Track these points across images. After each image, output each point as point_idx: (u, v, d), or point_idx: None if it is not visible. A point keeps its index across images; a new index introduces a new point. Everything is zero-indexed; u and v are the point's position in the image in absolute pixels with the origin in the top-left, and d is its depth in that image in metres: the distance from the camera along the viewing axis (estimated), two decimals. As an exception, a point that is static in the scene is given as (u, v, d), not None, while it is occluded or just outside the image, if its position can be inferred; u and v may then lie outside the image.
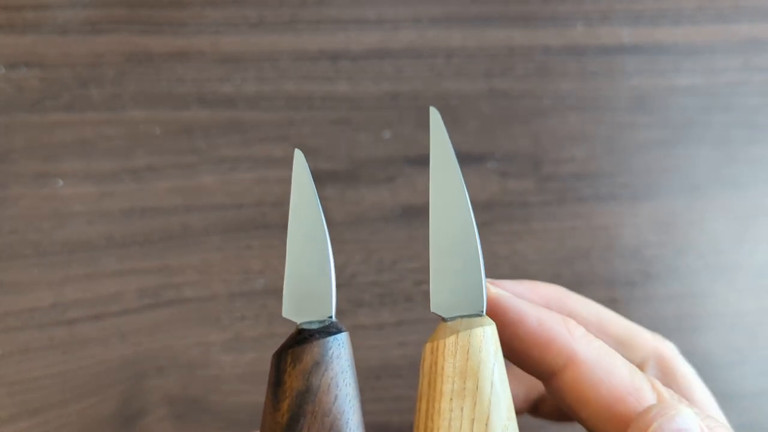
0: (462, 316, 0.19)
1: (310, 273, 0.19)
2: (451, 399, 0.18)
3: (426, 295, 0.35)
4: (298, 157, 0.20)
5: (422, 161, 0.36)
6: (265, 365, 0.34)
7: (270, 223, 0.35)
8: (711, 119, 0.37)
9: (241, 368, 0.33)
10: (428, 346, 0.18)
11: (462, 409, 0.18)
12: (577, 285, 0.35)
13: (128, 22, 0.36)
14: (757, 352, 0.35)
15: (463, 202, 0.19)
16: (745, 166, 0.37)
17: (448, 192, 0.19)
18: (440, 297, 0.19)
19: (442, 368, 0.18)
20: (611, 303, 0.35)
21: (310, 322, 0.19)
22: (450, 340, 0.18)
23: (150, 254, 0.34)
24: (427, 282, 0.35)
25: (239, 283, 0.34)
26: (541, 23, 0.38)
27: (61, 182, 0.34)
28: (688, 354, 0.35)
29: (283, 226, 0.35)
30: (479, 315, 0.19)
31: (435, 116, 0.20)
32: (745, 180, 0.37)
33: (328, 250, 0.19)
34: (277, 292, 0.34)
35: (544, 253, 0.36)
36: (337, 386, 0.18)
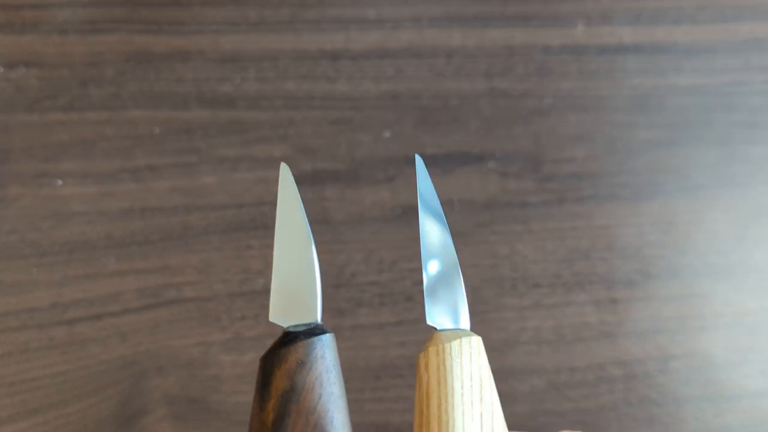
0: (453, 329, 0.21)
1: (296, 279, 0.20)
2: (462, 395, 0.20)
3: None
4: (284, 170, 0.21)
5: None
6: (265, 365, 0.34)
7: (270, 223, 0.35)
8: (711, 119, 0.37)
9: (241, 368, 0.33)
10: (432, 349, 0.20)
11: (472, 404, 0.20)
12: (577, 285, 0.35)
13: (128, 21, 0.36)
14: (757, 352, 0.35)
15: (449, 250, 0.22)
16: (746, 166, 0.37)
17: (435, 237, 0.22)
18: (434, 313, 0.22)
19: (451, 367, 0.20)
20: (611, 303, 0.35)
21: (297, 326, 0.19)
22: (455, 344, 0.20)
23: (150, 254, 0.34)
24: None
25: (239, 283, 0.34)
26: (541, 23, 0.38)
27: (60, 182, 0.34)
28: (689, 354, 0.36)
29: (283, 226, 0.35)
30: (465, 330, 0.22)
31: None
32: (745, 180, 0.37)
33: (313, 257, 0.20)
34: (277, 292, 0.34)
35: (544, 253, 0.35)
36: (321, 385, 0.19)
